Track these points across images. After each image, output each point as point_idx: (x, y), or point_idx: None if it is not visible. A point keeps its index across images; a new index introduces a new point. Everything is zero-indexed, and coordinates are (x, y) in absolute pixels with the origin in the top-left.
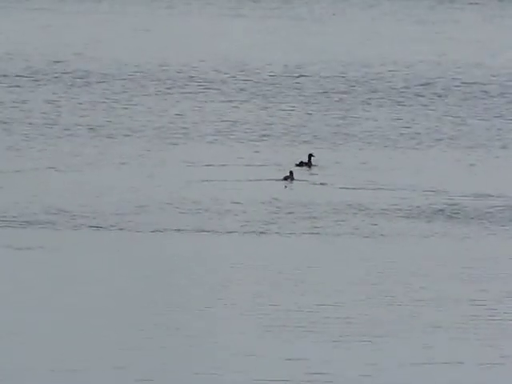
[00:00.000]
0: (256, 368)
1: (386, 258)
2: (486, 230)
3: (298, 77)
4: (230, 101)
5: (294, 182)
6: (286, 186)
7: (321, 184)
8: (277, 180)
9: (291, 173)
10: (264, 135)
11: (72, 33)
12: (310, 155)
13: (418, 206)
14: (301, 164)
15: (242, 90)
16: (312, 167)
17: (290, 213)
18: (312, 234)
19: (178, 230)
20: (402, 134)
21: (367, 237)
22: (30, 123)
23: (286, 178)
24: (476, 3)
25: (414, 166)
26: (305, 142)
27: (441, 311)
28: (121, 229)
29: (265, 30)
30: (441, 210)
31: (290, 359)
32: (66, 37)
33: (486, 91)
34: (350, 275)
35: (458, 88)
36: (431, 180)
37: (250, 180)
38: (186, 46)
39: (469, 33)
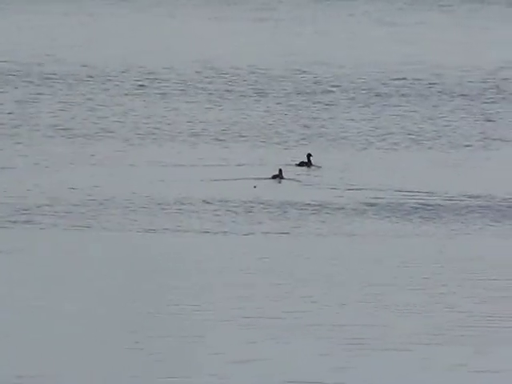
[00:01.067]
0: (244, 372)
1: (366, 258)
2: (468, 230)
3: (275, 78)
4: (207, 101)
5: (282, 181)
6: (255, 186)
7: (309, 184)
8: (265, 179)
9: (280, 171)
10: (241, 135)
11: (52, 34)
12: (309, 155)
13: (400, 205)
14: (301, 164)
15: (217, 90)
16: (311, 167)
17: (270, 212)
18: (292, 233)
19: (159, 230)
20: (380, 134)
21: (347, 236)
22: (2, 123)
23: (274, 177)
24: (447, 5)
25: (392, 166)
26: (285, 142)
27: (426, 314)
28: (101, 228)
29: (243, 31)
30: (422, 209)
31: (279, 362)
32: (46, 38)
33: (463, 92)
34: (330, 276)
35: (436, 88)
36: (410, 180)
37: (236, 179)
38: (163, 48)
39: (444, 34)
